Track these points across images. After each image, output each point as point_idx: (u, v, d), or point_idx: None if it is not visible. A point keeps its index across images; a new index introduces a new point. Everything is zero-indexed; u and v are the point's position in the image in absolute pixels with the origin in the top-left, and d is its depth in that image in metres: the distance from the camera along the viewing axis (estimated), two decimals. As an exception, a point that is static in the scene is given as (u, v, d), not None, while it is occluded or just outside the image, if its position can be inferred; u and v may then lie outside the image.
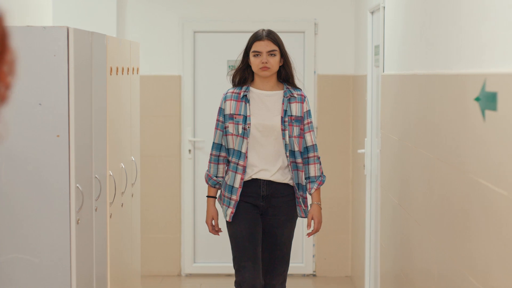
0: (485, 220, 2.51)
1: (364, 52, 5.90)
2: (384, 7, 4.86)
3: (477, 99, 2.58)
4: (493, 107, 2.41)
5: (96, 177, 3.66)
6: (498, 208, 2.37)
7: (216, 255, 6.73)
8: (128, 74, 4.52)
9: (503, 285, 2.32)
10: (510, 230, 2.26)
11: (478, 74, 2.60)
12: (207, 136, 6.71)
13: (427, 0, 3.56)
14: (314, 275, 6.87)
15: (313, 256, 6.84)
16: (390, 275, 4.55)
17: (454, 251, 2.93)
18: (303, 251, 6.83)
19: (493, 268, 2.42)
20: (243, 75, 4.37)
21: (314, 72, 6.75)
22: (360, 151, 5.91)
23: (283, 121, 4.32)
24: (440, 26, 3.28)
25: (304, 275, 6.84)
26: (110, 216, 4.01)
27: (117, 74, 4.14)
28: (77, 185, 3.32)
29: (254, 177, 4.33)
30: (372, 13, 5.50)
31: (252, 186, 4.34)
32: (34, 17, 4.95)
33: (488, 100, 2.46)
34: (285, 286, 4.52)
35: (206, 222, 4.46)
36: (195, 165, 6.86)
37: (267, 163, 4.33)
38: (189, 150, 6.83)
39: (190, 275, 6.85)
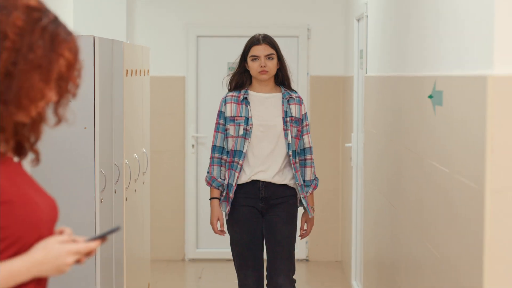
0: (436, 196, 3.10)
1: (351, 56, 6.49)
2: (367, 16, 5.45)
3: (430, 96, 3.18)
4: (440, 103, 3.01)
5: (115, 164, 4.27)
6: (443, 183, 2.97)
7: (217, 242, 7.25)
8: (140, 75, 5.11)
9: (453, 251, 2.89)
10: (450, 199, 2.85)
11: (431, 76, 3.20)
12: (209, 132, 7.27)
13: (400, 12, 4.15)
14: (307, 260, 7.45)
15: (306, 242, 7.42)
16: (373, 259, 5.04)
17: (418, 226, 3.53)
18: (297, 237, 7.42)
19: (444, 236, 3.00)
20: (240, 79, 4.43)
21: (307, 73, 7.33)
22: (347, 145, 6.51)
23: (284, 122, 4.38)
24: (408, 36, 3.87)
25: (298, 260, 7.43)
26: (126, 199, 4.60)
27: (131, 75, 4.74)
28: (101, 169, 3.92)
29: (253, 178, 4.37)
30: (358, 20, 6.09)
31: (252, 188, 4.37)
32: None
33: (437, 97, 3.06)
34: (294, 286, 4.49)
35: (211, 223, 4.47)
36: (198, 159, 7.44)
37: (266, 163, 4.36)
38: (192, 145, 7.42)
39: (193, 260, 7.43)
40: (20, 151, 1.95)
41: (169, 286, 6.66)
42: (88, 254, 1.91)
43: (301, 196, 4.42)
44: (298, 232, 4.55)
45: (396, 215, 4.10)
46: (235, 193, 4.36)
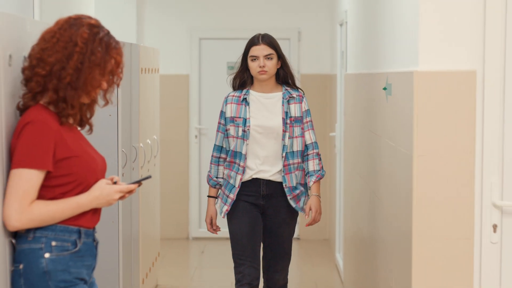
0: (390, 167, 3.97)
1: (335, 56, 7.37)
2: (346, 22, 6.32)
3: (384, 88, 4.04)
4: (390, 93, 3.88)
5: (133, 146, 5.14)
6: (392, 156, 3.84)
7: (218, 222, 8.14)
8: (152, 73, 5.98)
9: (396, 210, 3.73)
10: (395, 169, 3.73)
11: (385, 72, 4.07)
12: (211, 124, 8.15)
13: (368, 18, 5.00)
14: (299, 239, 8.32)
15: (297, 222, 8.28)
16: (352, 236, 5.70)
17: (381, 199, 4.39)
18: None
19: (392, 199, 3.83)
20: (242, 78, 4.45)
21: (298, 71, 8.21)
22: (331, 134, 7.38)
23: (285, 123, 4.38)
24: (373, 38, 4.73)
25: (290, 238, 8.29)
26: (141, 176, 5.48)
27: (145, 73, 5.60)
28: (122, 149, 4.79)
29: (254, 176, 4.39)
30: (340, 25, 6.96)
31: (253, 186, 4.39)
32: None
33: (389, 89, 3.93)
34: (287, 279, 4.57)
35: (206, 220, 4.57)
36: (200, 148, 8.33)
37: (266, 164, 4.38)
38: (196, 136, 8.30)
39: (196, 238, 8.31)
40: (81, 123, 2.83)
41: (175, 259, 7.53)
42: (129, 193, 2.79)
43: (288, 198, 4.40)
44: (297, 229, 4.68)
45: (370, 194, 4.94)
46: (228, 191, 4.42)
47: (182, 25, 8.26)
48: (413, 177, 3.27)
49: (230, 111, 4.42)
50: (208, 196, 4.55)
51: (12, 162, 2.59)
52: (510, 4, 3.21)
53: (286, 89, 4.46)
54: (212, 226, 4.54)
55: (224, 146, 4.46)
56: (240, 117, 4.38)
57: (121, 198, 2.78)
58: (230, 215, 4.45)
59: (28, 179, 2.57)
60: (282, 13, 8.19)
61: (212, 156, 4.51)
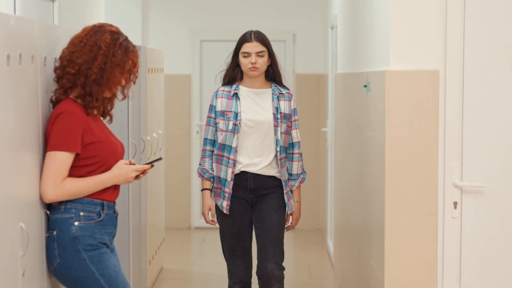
0: (370, 156, 4.50)
1: (327, 57, 7.91)
2: (336, 25, 6.85)
3: (364, 86, 4.58)
4: (369, 90, 4.42)
5: (141, 138, 5.68)
6: (371, 145, 4.37)
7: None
8: (157, 73, 6.51)
9: (374, 198, 4.26)
10: (373, 156, 4.26)
11: (365, 72, 4.60)
12: (211, 121, 8.67)
13: (354, 22, 5.53)
14: (294, 229, 8.80)
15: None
16: (342, 225, 6.09)
17: (366, 187, 4.92)
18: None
19: (371, 187, 4.37)
20: (233, 74, 4.49)
21: (293, 71, 8.74)
22: (323, 129, 7.92)
23: (275, 118, 4.40)
24: (356, 41, 5.26)
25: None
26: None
27: (152, 73, 6.14)
28: (132, 141, 5.33)
29: (242, 169, 4.40)
30: (331, 28, 7.49)
31: (241, 179, 4.40)
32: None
33: (368, 86, 4.47)
34: (283, 275, 4.43)
35: (203, 213, 4.51)
36: (201, 143, 8.84)
37: (255, 157, 4.40)
38: (197, 132, 8.84)
39: (197, 228, 8.84)
40: (103, 114, 3.36)
41: (178, 246, 8.07)
42: (143, 173, 3.32)
43: (284, 192, 4.46)
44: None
45: (356, 184, 5.46)
46: (223, 185, 4.42)
47: (184, 28, 8.79)
48: (385, 161, 3.81)
49: (220, 105, 4.44)
50: (203, 189, 4.51)
51: (47, 146, 3.12)
52: (467, 13, 3.74)
53: (276, 86, 4.49)
54: (211, 217, 4.50)
55: (215, 139, 4.46)
56: (231, 111, 4.39)
57: (137, 177, 3.31)
58: (219, 211, 4.45)
59: (61, 160, 3.11)
60: (278, 17, 8.74)
61: (205, 150, 4.49)
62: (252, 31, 4.48)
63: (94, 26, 3.27)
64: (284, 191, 4.47)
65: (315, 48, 8.74)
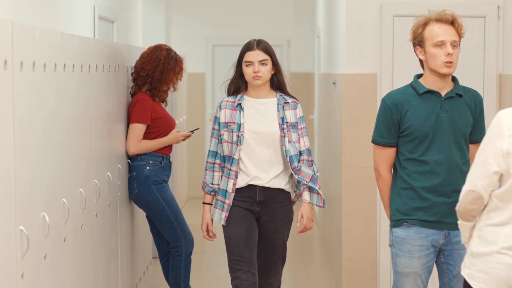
0: (336, 140, 6.42)
1: (314, 59, 9.87)
2: (320, 35, 8.76)
3: (333, 83, 6.52)
4: (336, 86, 6.36)
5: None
6: (335, 131, 6.30)
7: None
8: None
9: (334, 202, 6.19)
10: (336, 140, 6.22)
11: (333, 73, 6.54)
12: (221, 110, 10.57)
13: (327, 34, 7.42)
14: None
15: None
16: (325, 199, 8.11)
17: (336, 163, 6.84)
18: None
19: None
20: (237, 84, 4.31)
21: (288, 70, 10.65)
22: (311, 116, 9.89)
23: (282, 128, 4.24)
24: (329, 50, 7.17)
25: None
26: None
27: (179, 72, 8.09)
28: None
29: (250, 183, 4.23)
30: (317, 37, 9.40)
31: (249, 192, 4.24)
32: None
33: (336, 83, 6.40)
34: (280, 281, 4.46)
35: (201, 227, 4.38)
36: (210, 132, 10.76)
37: (261, 170, 4.23)
38: (210, 119, 10.70)
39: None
40: (162, 101, 5.34)
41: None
42: (187, 137, 5.29)
43: (301, 189, 4.28)
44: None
45: (333, 162, 7.36)
46: (223, 197, 4.29)
47: (200, 35, 10.65)
48: (342, 133, 5.75)
49: (224, 116, 4.30)
50: (203, 203, 4.42)
51: (129, 120, 5.09)
52: (395, 33, 5.68)
53: (281, 95, 4.33)
54: (208, 233, 4.38)
55: (219, 151, 4.34)
56: (234, 122, 4.25)
57: (183, 140, 5.29)
58: (226, 221, 4.28)
59: (139, 128, 5.08)
60: (276, 26, 10.59)
61: (206, 162, 4.39)
62: (254, 39, 4.34)
63: (155, 46, 5.24)
64: (316, 188, 4.29)
65: (305, 52, 10.58)
